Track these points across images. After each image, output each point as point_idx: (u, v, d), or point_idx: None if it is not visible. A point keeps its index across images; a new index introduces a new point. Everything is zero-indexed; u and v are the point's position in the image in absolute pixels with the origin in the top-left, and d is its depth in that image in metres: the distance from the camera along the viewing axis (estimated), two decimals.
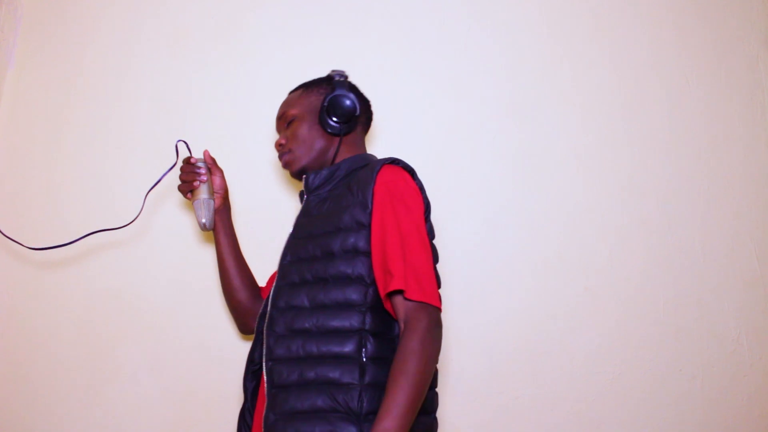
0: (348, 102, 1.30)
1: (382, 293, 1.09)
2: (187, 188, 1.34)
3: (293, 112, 1.33)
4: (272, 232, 1.53)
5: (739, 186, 1.71)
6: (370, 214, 1.12)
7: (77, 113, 1.71)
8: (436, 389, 1.18)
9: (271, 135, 1.69)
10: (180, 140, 1.37)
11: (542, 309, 1.61)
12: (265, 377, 1.13)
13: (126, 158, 1.68)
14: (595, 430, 1.57)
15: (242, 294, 1.39)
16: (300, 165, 1.31)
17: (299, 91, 1.36)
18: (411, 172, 1.22)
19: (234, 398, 1.53)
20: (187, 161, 1.35)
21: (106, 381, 1.56)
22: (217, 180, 1.37)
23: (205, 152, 1.37)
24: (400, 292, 1.07)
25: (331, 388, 1.06)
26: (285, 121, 1.34)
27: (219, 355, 1.57)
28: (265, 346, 1.15)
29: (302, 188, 1.33)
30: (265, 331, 1.17)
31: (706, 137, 1.73)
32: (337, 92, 1.30)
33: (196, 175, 1.33)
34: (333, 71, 1.37)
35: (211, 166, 1.37)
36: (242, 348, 1.57)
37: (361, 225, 1.12)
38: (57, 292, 1.61)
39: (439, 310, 1.08)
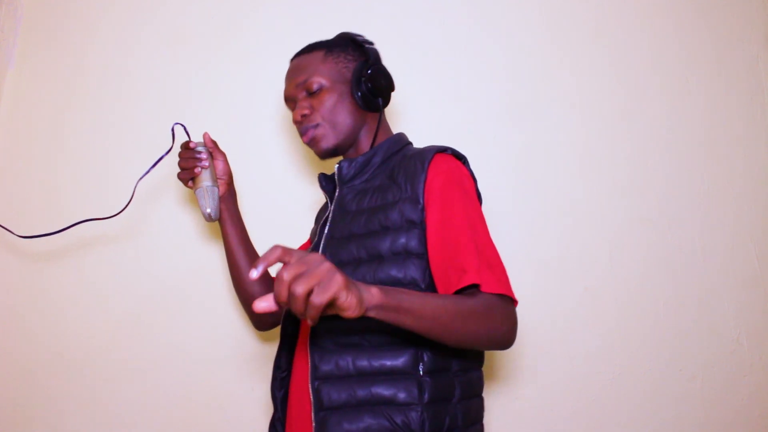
0: (388, 76, 1.18)
1: (451, 290, 0.96)
2: (187, 176, 1.20)
3: (319, 79, 1.14)
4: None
5: (739, 186, 1.71)
6: (423, 210, 1.00)
7: (77, 113, 1.71)
8: (483, 395, 1.10)
9: (272, 134, 1.69)
10: (177, 123, 1.24)
11: (542, 309, 1.61)
12: (312, 399, 1.01)
13: (127, 158, 1.68)
14: (595, 430, 1.57)
15: (255, 288, 1.27)
16: (331, 143, 1.15)
17: (319, 54, 1.17)
18: (463, 159, 1.11)
19: (234, 395, 1.53)
20: (186, 146, 1.21)
21: (107, 379, 1.56)
22: (220, 165, 1.24)
23: (205, 135, 1.23)
24: (474, 286, 0.94)
25: (387, 408, 0.95)
26: (306, 88, 1.15)
27: (220, 353, 1.57)
28: (309, 363, 1.03)
29: (321, 172, 1.23)
30: (309, 347, 1.04)
31: (706, 137, 1.73)
32: (376, 63, 1.16)
33: (197, 161, 1.19)
34: (355, 35, 1.21)
35: (213, 149, 1.23)
36: (245, 346, 1.57)
37: (412, 223, 1.00)
38: (55, 286, 1.61)
39: (515, 304, 0.99)
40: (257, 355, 1.57)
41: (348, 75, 1.15)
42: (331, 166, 1.30)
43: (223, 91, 1.71)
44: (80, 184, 1.67)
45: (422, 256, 1.00)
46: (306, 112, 1.15)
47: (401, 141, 1.18)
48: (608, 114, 1.73)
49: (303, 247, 1.36)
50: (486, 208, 1.66)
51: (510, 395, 1.57)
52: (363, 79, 1.14)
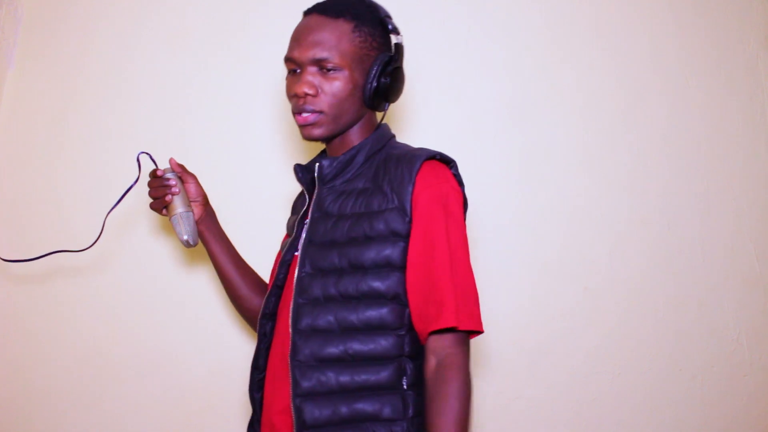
0: (403, 80, 1.11)
1: (423, 326, 0.96)
2: (160, 205, 1.17)
3: (339, 61, 1.02)
4: (273, 229, 1.52)
5: (739, 186, 1.71)
6: (410, 222, 0.98)
7: (77, 114, 1.71)
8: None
9: (273, 135, 1.68)
10: (142, 152, 1.20)
11: (542, 309, 1.61)
12: (294, 417, 0.97)
13: (127, 160, 1.68)
14: (595, 430, 1.57)
15: (254, 300, 1.23)
16: (326, 133, 1.06)
17: (347, 27, 1.03)
18: (451, 164, 1.05)
19: (226, 398, 1.54)
20: (154, 175, 1.18)
21: (100, 386, 1.56)
22: (191, 188, 1.20)
23: (171, 161, 1.19)
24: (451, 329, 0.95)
25: (371, 424, 0.95)
26: (320, 64, 1.02)
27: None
28: (291, 379, 0.99)
29: (297, 163, 1.14)
30: (290, 361, 1.00)
31: (706, 137, 1.73)
32: (399, 63, 1.08)
33: (167, 189, 1.15)
34: (386, 17, 1.10)
35: (181, 174, 1.19)
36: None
37: (397, 235, 0.98)
38: (56, 302, 1.60)
39: (479, 331, 1.01)
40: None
41: (367, 64, 1.04)
42: (314, 148, 1.24)
43: (224, 92, 1.70)
44: (81, 187, 1.67)
45: (404, 269, 0.98)
46: (312, 92, 1.02)
47: (384, 137, 1.11)
48: (608, 114, 1.73)
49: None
50: (486, 208, 1.67)
51: (510, 395, 1.57)
52: (382, 78, 1.05)
